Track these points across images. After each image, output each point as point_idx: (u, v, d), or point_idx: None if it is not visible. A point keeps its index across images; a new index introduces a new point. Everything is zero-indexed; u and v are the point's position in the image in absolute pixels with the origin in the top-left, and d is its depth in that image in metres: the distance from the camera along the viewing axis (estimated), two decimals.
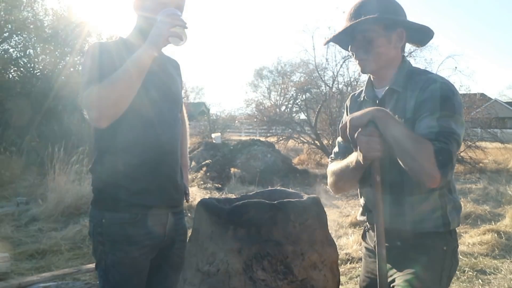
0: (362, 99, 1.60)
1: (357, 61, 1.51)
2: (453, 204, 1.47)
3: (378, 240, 1.35)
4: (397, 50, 1.49)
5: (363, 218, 1.59)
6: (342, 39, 1.56)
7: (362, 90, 1.64)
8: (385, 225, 1.40)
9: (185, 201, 1.86)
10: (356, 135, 1.33)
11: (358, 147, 1.33)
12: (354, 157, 1.42)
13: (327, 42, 1.59)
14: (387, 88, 1.49)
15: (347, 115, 1.65)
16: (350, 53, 1.54)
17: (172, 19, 1.50)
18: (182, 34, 1.52)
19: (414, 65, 1.58)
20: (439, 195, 1.44)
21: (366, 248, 1.64)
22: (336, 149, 1.69)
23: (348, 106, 1.69)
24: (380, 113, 1.32)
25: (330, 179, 1.61)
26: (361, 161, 1.35)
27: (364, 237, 1.66)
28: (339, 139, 1.65)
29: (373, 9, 1.43)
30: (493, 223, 5.35)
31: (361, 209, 1.62)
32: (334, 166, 1.58)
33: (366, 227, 1.63)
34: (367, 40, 1.45)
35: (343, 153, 1.60)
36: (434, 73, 1.53)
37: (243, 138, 16.34)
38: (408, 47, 13.81)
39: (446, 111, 1.32)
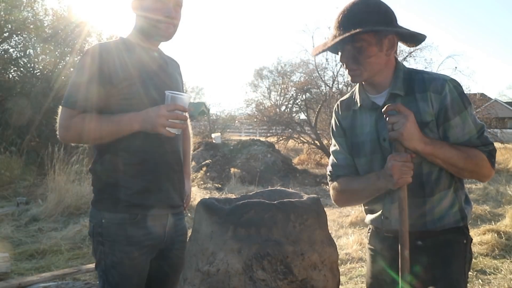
0: (356, 107, 1.54)
1: (347, 71, 1.45)
2: (465, 197, 1.50)
3: (401, 241, 1.34)
4: (389, 56, 1.44)
5: (379, 224, 1.53)
6: (332, 46, 1.50)
7: (352, 97, 1.59)
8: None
9: (184, 206, 1.84)
10: (388, 160, 1.36)
11: (391, 172, 1.34)
12: (375, 179, 1.42)
13: (318, 53, 1.50)
14: (386, 92, 1.46)
15: (337, 123, 1.60)
16: (340, 63, 1.49)
17: (173, 117, 1.52)
18: (175, 131, 1.56)
19: (414, 65, 1.58)
20: (454, 190, 1.46)
21: (370, 249, 1.61)
22: (334, 160, 1.61)
23: (338, 113, 1.61)
24: (428, 148, 1.36)
25: (341, 196, 1.57)
26: (391, 186, 1.37)
27: (371, 239, 1.61)
28: (335, 147, 1.62)
29: (363, 17, 1.37)
30: (493, 223, 5.34)
31: (372, 217, 1.56)
32: (346, 184, 1.54)
33: (374, 229, 1.59)
34: (357, 50, 1.39)
35: (347, 166, 1.57)
36: (430, 71, 1.52)
37: (243, 138, 16.33)
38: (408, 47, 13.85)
39: (468, 105, 1.41)
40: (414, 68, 1.56)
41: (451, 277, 1.43)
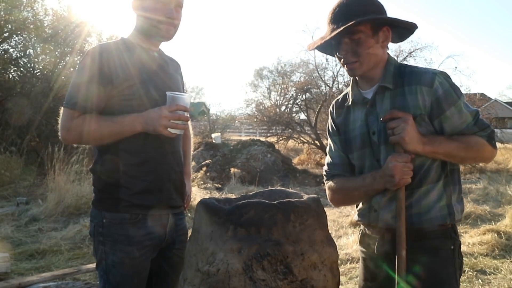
0: (349, 103, 1.55)
1: (346, 65, 1.46)
2: (457, 196, 1.48)
3: (398, 241, 1.35)
4: (384, 49, 1.46)
5: (366, 218, 1.54)
6: (325, 45, 1.49)
7: (346, 94, 1.60)
8: (390, 223, 1.42)
9: (184, 206, 1.84)
10: (389, 161, 1.37)
11: (392, 173, 1.35)
12: (371, 180, 1.43)
13: (316, 47, 1.50)
14: (376, 86, 1.47)
15: (332, 122, 1.62)
16: (336, 58, 1.49)
17: (175, 118, 1.53)
18: (177, 131, 1.56)
19: (414, 65, 1.56)
20: (443, 184, 1.45)
21: (362, 251, 1.61)
22: (329, 159, 1.63)
23: (333, 113, 1.63)
24: (428, 148, 1.37)
25: (336, 196, 1.58)
26: (390, 187, 1.38)
27: (361, 241, 1.61)
28: (330, 146, 1.63)
29: (359, 9, 1.39)
30: (493, 223, 5.34)
31: (360, 209, 1.58)
32: (341, 184, 1.54)
33: (364, 230, 1.60)
34: (355, 42, 1.40)
35: (341, 164, 1.58)
36: (420, 66, 1.52)
37: (243, 138, 16.34)
38: (408, 47, 13.86)
39: (460, 95, 1.42)
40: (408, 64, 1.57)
41: (440, 287, 1.42)
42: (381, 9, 1.44)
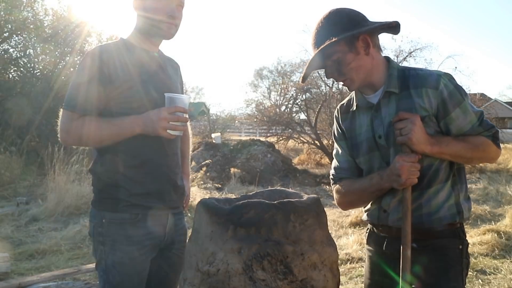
0: (354, 108, 1.56)
1: (340, 84, 1.49)
2: (464, 194, 1.50)
3: (403, 241, 1.36)
4: (370, 55, 1.44)
5: (375, 219, 1.54)
6: (318, 66, 1.52)
7: (350, 99, 1.61)
8: (400, 224, 1.42)
9: (183, 206, 1.84)
10: (396, 160, 1.37)
11: (399, 172, 1.36)
12: (378, 179, 1.44)
13: (304, 80, 1.58)
14: (381, 91, 1.47)
15: (338, 127, 1.62)
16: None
17: (174, 119, 1.53)
18: (176, 133, 1.57)
19: (414, 65, 1.58)
20: (451, 184, 1.46)
21: (369, 250, 1.61)
22: (336, 163, 1.63)
23: (338, 117, 1.63)
24: (435, 149, 1.38)
25: (344, 199, 1.58)
26: (397, 187, 1.39)
27: (368, 240, 1.62)
28: (337, 150, 1.63)
29: (328, 33, 1.39)
30: (493, 223, 5.35)
31: (370, 210, 1.57)
32: (348, 186, 1.55)
33: (372, 229, 1.60)
34: (337, 63, 1.43)
35: (349, 168, 1.58)
36: (423, 68, 1.53)
37: (243, 138, 16.33)
38: (408, 47, 13.86)
39: (465, 96, 1.43)
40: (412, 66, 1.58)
41: (446, 286, 1.43)
42: (352, 21, 1.41)
